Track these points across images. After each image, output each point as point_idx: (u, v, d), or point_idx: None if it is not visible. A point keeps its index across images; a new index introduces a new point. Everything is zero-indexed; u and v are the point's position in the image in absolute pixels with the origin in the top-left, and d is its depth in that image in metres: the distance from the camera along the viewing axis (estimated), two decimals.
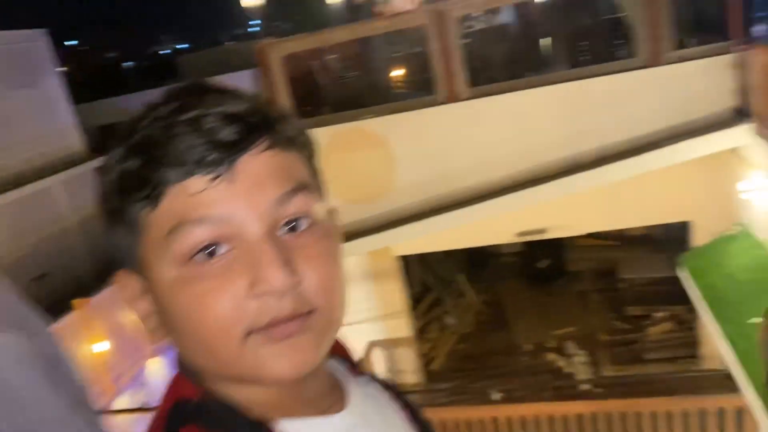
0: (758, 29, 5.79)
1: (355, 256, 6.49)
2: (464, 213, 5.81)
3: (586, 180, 5.61)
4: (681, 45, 5.48)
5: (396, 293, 7.20)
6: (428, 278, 8.89)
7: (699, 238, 6.28)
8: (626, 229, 8.79)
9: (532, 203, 5.88)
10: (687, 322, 7.24)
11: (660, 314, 7.72)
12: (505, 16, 7.10)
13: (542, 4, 6.49)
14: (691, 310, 6.14)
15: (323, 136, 6.01)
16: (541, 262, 9.54)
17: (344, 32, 6.43)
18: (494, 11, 7.07)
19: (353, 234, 5.96)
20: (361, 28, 6.55)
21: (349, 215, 6.02)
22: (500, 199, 5.75)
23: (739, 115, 5.34)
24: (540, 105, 5.71)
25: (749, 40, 5.33)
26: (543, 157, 5.73)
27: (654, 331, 7.62)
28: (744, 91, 5.31)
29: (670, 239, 7.35)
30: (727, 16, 5.33)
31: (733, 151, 5.43)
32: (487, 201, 5.77)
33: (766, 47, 5.10)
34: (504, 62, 6.60)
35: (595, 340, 7.80)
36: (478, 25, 7.16)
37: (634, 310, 8.02)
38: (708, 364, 6.65)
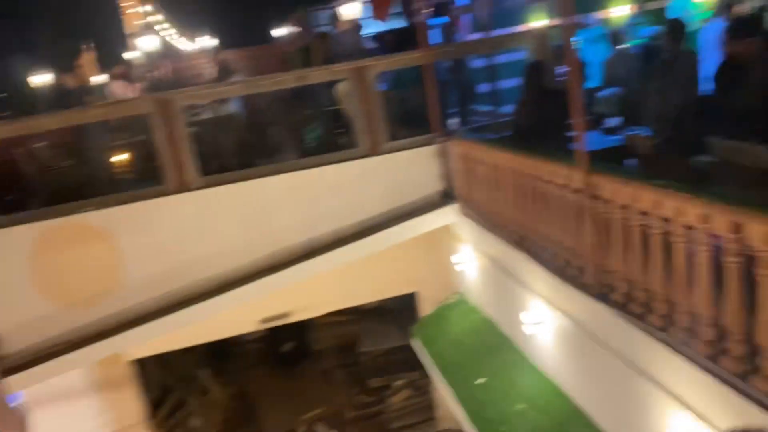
0: (452, 123, 6.74)
1: (79, 368, 5.71)
2: (203, 307, 5.53)
3: (323, 263, 5.81)
4: (395, 136, 6.11)
5: (131, 402, 6.47)
6: (168, 379, 8.20)
7: (425, 307, 6.91)
8: (362, 304, 9.28)
9: (272, 290, 5.86)
10: (422, 387, 7.79)
11: (399, 383, 8.20)
12: (234, 106, 7.20)
13: (268, 95, 6.72)
14: (426, 375, 6.63)
15: (31, 233, 5.30)
16: (286, 346, 9.53)
17: (57, 119, 5.83)
18: (222, 101, 7.12)
19: (76, 343, 5.25)
20: (76, 115, 6.01)
21: (70, 322, 5.30)
22: (240, 289, 5.63)
23: (446, 197, 6.12)
24: (274, 193, 5.82)
25: (447, 133, 6.18)
26: (280, 244, 5.80)
27: (395, 399, 8.04)
28: (447, 176, 6.11)
29: (402, 309, 7.95)
30: (428, 111, 6.13)
31: (446, 228, 6.14)
32: (227, 292, 5.59)
33: (460, 139, 5.99)
34: (235, 151, 6.63)
35: (343, 418, 7.93)
36: (206, 114, 7.12)
37: (375, 382, 8.39)
38: (444, 425, 7.20)
